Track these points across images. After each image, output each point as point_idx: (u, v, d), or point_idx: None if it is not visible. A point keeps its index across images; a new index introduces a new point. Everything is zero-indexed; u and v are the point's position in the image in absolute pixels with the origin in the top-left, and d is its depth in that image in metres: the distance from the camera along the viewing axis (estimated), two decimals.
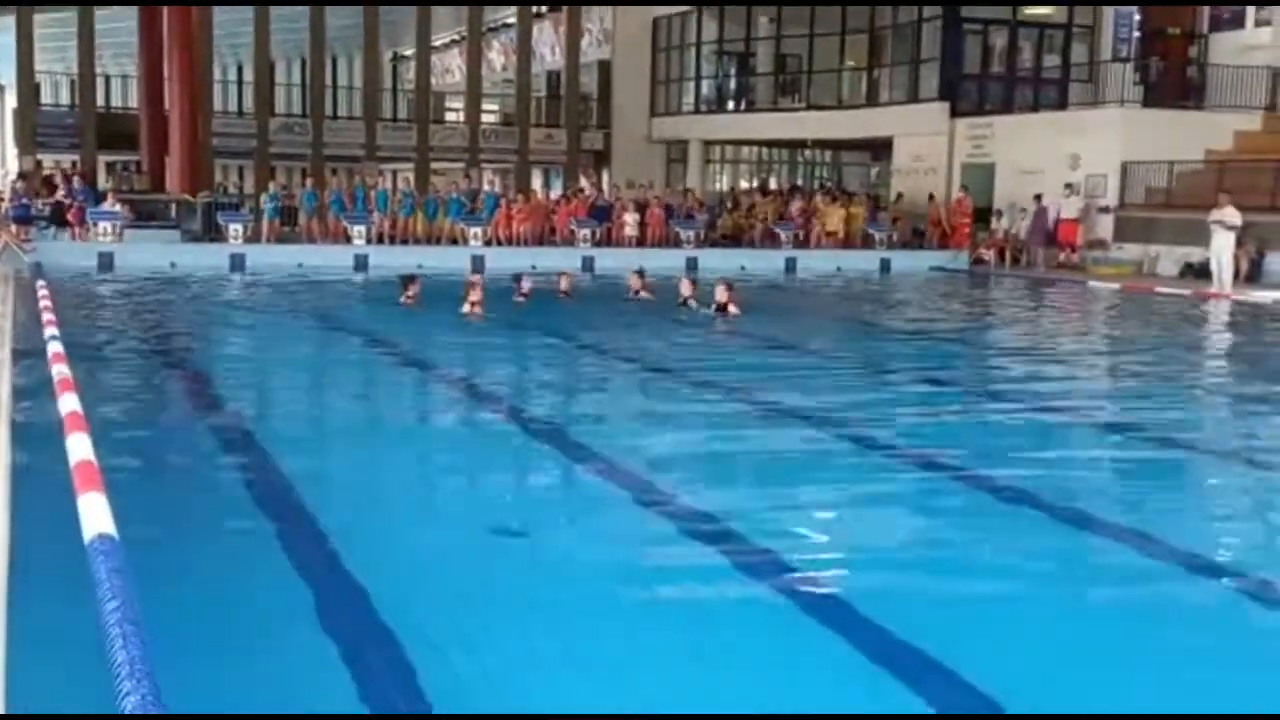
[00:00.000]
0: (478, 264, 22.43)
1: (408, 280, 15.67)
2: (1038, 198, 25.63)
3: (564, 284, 17.24)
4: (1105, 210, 25.27)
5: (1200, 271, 22.63)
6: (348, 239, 23.93)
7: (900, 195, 29.24)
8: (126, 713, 2.86)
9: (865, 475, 7.51)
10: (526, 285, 16.04)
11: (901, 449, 8.11)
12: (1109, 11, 27.68)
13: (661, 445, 8.19)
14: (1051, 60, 29.40)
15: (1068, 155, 25.51)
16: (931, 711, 4.15)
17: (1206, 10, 27.19)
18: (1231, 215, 20.25)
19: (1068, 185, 25.14)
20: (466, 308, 14.33)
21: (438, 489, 7.44)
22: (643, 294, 16.70)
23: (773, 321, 15.45)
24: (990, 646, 4.59)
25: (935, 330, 16.29)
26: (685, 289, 15.85)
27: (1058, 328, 17.54)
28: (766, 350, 13.13)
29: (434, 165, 34.86)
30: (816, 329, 15.84)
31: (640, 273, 17.18)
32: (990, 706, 4.10)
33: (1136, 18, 26.94)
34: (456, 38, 40.18)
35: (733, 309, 15.02)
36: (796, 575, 5.36)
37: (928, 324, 17.14)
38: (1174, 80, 26.83)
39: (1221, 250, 20.41)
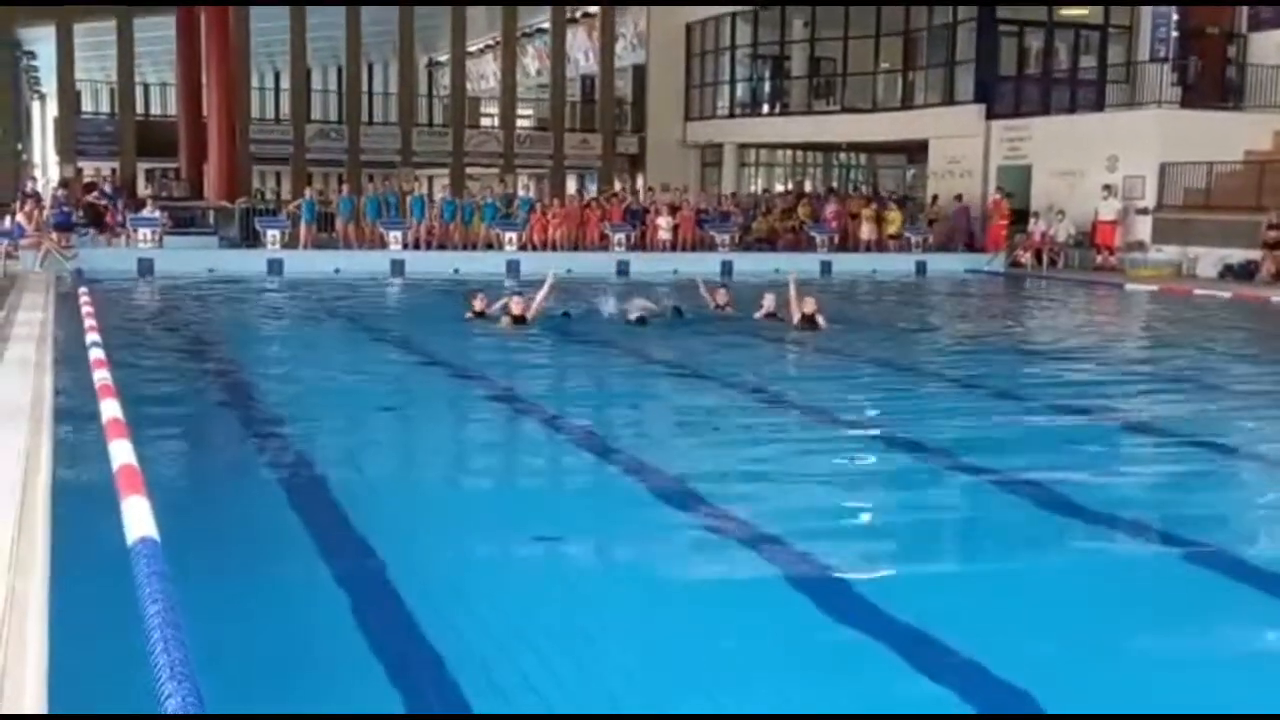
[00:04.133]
0: (513, 268, 22.54)
1: (477, 296, 15.27)
2: (958, 197, 26.75)
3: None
4: (1143, 212, 25.06)
5: (1240, 273, 22.43)
6: (384, 244, 24.08)
7: (935, 197, 29.12)
8: (168, 713, 2.90)
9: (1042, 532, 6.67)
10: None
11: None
12: (1146, 11, 27.40)
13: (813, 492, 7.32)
14: (1088, 61, 29.18)
15: (1105, 157, 25.34)
16: None
17: (1245, 10, 26.92)
18: None
19: (1106, 187, 24.98)
20: (504, 321, 14.09)
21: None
22: (727, 309, 15.98)
23: (859, 335, 14.77)
24: None
25: (1034, 345, 15.34)
26: (768, 303, 15.28)
27: (1158, 340, 16.49)
28: (875, 372, 12.37)
29: (469, 170, 34.99)
30: (908, 343, 14.94)
31: (725, 287, 16.81)
32: None
33: (1174, 17, 26.64)
34: (491, 43, 40.32)
35: (821, 321, 14.35)
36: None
37: (1029, 339, 16.28)
38: (1212, 80, 26.55)
39: None
